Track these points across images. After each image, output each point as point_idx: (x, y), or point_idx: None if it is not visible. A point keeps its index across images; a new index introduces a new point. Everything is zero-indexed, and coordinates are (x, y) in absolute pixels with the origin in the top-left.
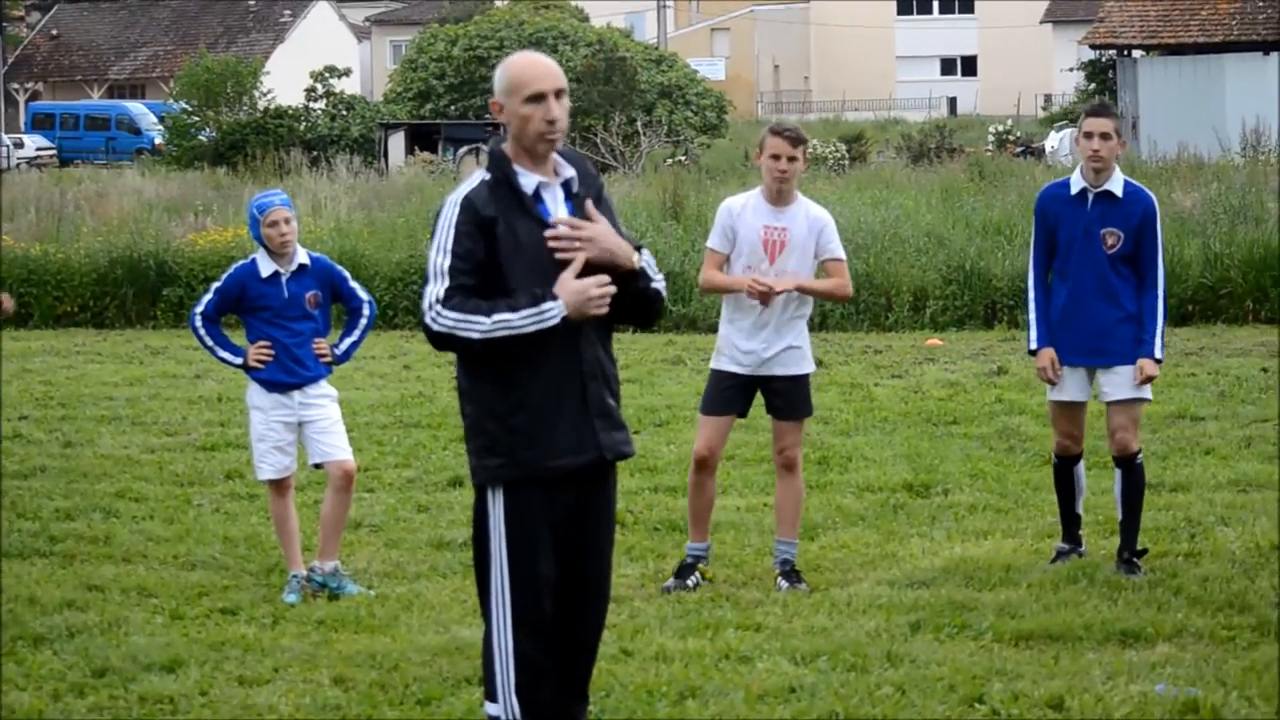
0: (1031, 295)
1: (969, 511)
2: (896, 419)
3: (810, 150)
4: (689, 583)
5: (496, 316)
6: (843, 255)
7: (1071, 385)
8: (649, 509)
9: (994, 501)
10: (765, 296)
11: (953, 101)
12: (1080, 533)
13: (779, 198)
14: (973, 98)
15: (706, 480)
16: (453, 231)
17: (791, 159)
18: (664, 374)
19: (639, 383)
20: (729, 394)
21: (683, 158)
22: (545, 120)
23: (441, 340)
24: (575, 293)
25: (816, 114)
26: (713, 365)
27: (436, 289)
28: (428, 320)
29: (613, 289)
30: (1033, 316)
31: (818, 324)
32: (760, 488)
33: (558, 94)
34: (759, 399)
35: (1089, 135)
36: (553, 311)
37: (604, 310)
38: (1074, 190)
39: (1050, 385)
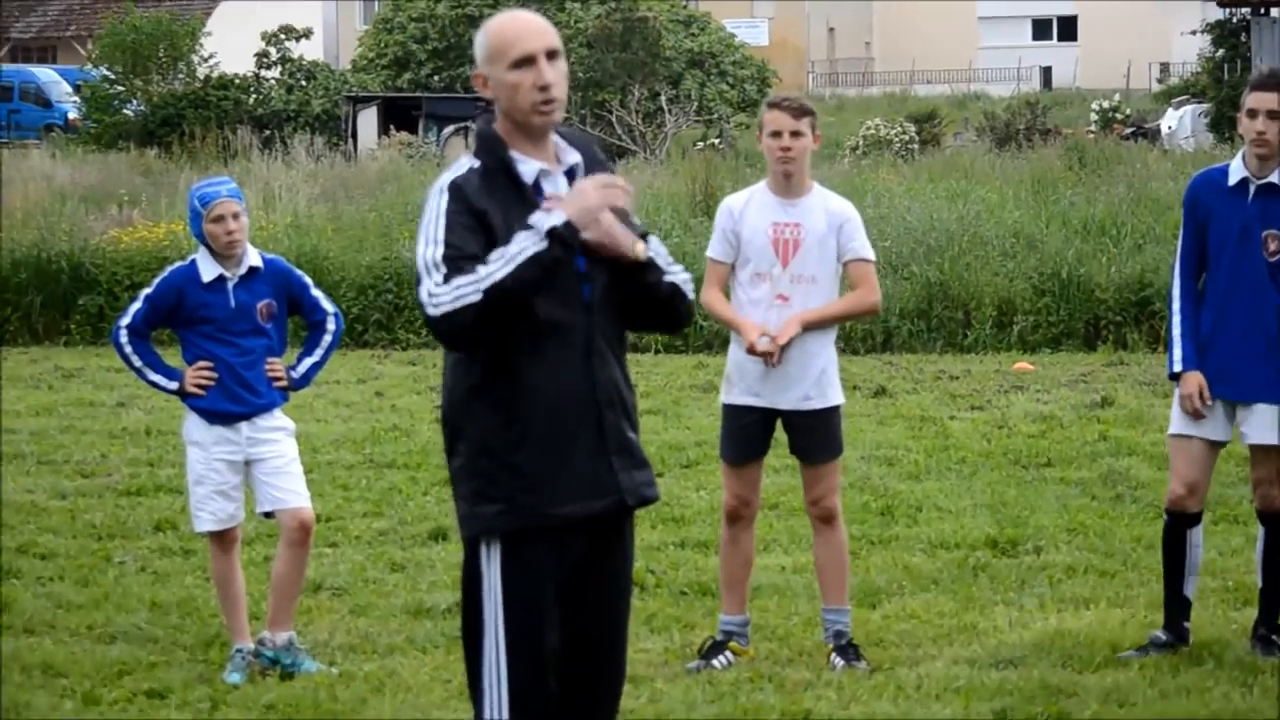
0: (1177, 305)
1: (1066, 574)
2: (977, 460)
3: (869, 130)
4: (717, 663)
5: (488, 263)
6: (870, 255)
7: (1209, 421)
8: (674, 569)
9: (1097, 562)
10: (770, 357)
11: (1047, 72)
12: (1187, 624)
13: (788, 187)
14: (1071, 67)
15: (741, 536)
16: (443, 220)
17: (796, 134)
18: (692, 403)
19: (662, 414)
20: (749, 433)
21: (716, 140)
22: (537, 87)
23: (449, 324)
24: (575, 195)
25: (880, 87)
26: (723, 398)
27: (430, 281)
28: (429, 311)
29: (623, 186)
30: (1177, 332)
31: (880, 342)
32: (810, 543)
33: (550, 55)
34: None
35: (1253, 113)
36: (544, 223)
37: (619, 200)
38: (1232, 180)
39: (1190, 418)
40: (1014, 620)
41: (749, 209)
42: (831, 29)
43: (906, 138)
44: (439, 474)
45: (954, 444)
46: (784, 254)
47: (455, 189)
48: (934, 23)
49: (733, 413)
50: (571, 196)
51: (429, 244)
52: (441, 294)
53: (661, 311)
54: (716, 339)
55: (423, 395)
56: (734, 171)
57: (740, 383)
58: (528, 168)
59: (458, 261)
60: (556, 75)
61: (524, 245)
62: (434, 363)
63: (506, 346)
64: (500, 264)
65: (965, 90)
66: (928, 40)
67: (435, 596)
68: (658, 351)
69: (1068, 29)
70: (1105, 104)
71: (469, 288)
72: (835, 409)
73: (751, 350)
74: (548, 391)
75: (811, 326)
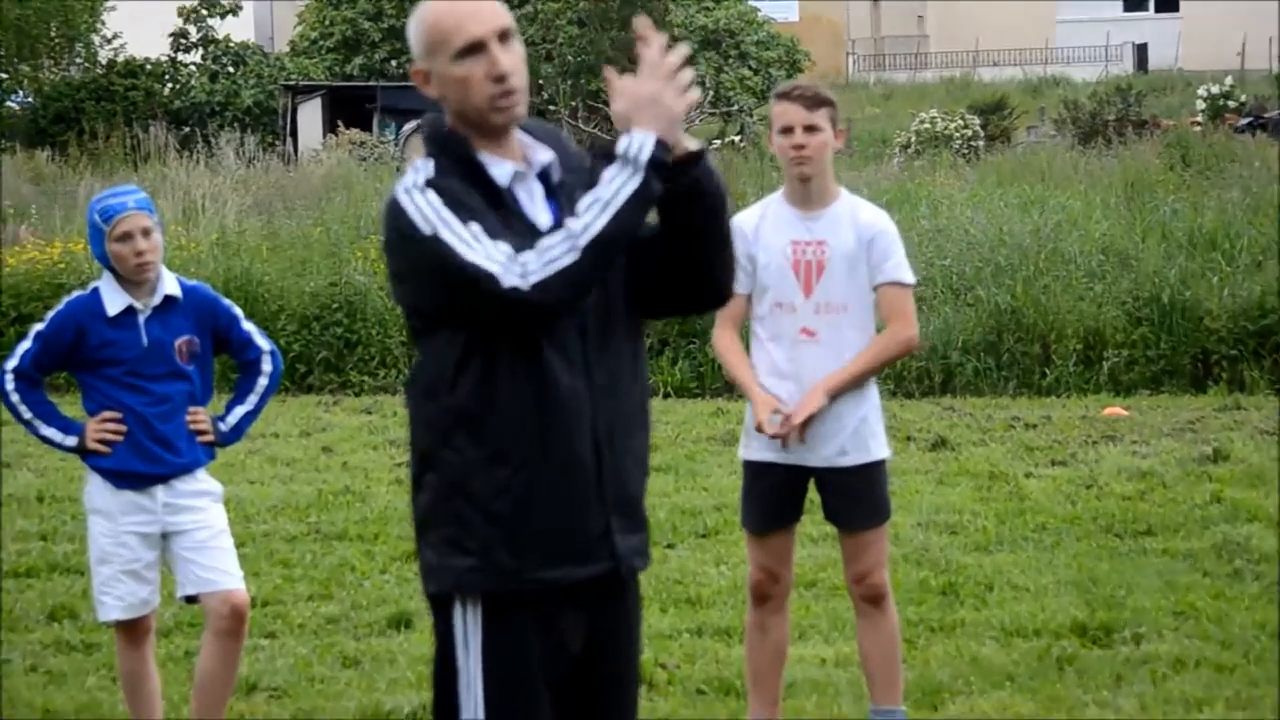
0: None
1: (1173, 669)
2: (1060, 527)
3: (923, 124)
4: None
5: (579, 214)
6: (908, 279)
7: None
8: (690, 661)
9: (1211, 653)
10: (787, 438)
11: (1141, 51)
12: None
13: (807, 195)
14: (1172, 45)
15: (770, 620)
16: (450, 210)
17: (811, 129)
18: (710, 458)
19: (674, 472)
20: (774, 496)
21: (736, 137)
22: (491, 78)
23: (544, 295)
24: (649, 101)
25: (936, 71)
26: (743, 454)
27: (501, 255)
28: (520, 286)
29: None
30: None
31: (939, 384)
32: (855, 628)
33: (501, 37)
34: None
35: None
36: (638, 150)
37: (693, 93)
38: None
39: None
40: None
41: (764, 226)
42: (877, 1)
43: (969, 133)
44: (400, 547)
45: (1031, 507)
46: (806, 279)
47: (437, 185)
48: None
49: (755, 471)
50: (646, 103)
51: (460, 238)
52: (529, 261)
53: (721, 246)
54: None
55: (379, 450)
56: (758, 175)
57: (762, 435)
58: (501, 170)
59: (506, 234)
60: (513, 61)
61: (619, 184)
62: (393, 410)
63: (493, 373)
64: (596, 211)
65: (1041, 74)
66: (995, 14)
67: (396, 698)
68: (667, 395)
69: None
70: (1214, 89)
71: (562, 247)
72: (879, 465)
73: (760, 430)
74: (537, 430)
75: (839, 392)
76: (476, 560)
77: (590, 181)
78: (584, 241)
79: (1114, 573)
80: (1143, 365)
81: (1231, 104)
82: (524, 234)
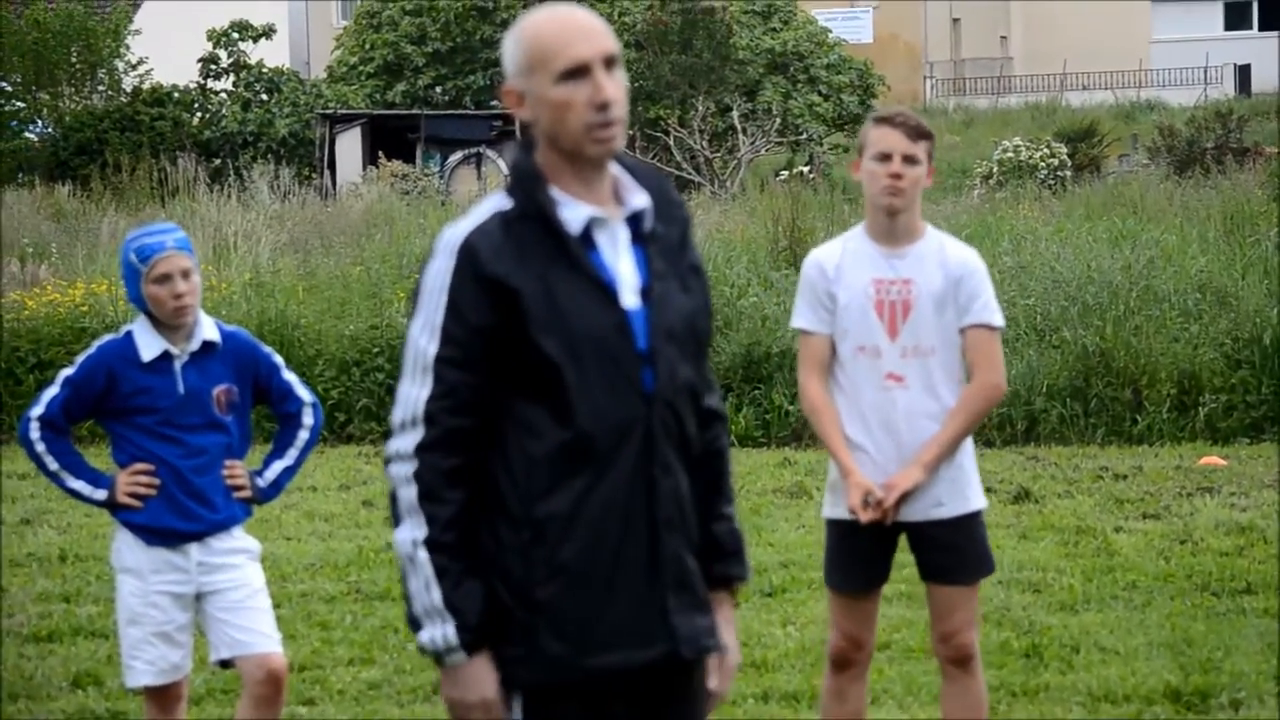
0: None
1: None
2: (1152, 585)
3: (1006, 153)
4: None
5: (423, 554)
6: (998, 322)
7: None
8: None
9: None
10: (881, 517)
11: (1244, 72)
12: None
13: (893, 230)
14: (1277, 66)
15: (851, 689)
16: (445, 298)
17: (910, 160)
18: (777, 512)
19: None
20: (864, 554)
21: (805, 168)
22: (594, 105)
23: (393, 487)
24: (468, 701)
25: (1020, 95)
26: (827, 512)
27: (416, 405)
28: (387, 455)
29: None
30: None
31: (1022, 432)
32: (933, 694)
33: (608, 63)
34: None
35: None
36: (436, 641)
37: None
38: None
39: None
40: None
41: (846, 263)
42: (956, 20)
43: (1056, 162)
44: None
45: (1121, 564)
46: (891, 321)
47: (466, 250)
48: (1092, 10)
49: (842, 530)
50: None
51: (426, 331)
52: (403, 469)
53: None
54: (806, 429)
55: None
56: (828, 208)
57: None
58: (574, 213)
59: (452, 386)
60: (617, 89)
61: (434, 622)
62: None
63: (539, 445)
64: (425, 581)
65: (1134, 98)
66: (1085, 34)
67: None
68: (730, 444)
69: (1273, 14)
70: None
71: (413, 519)
72: (976, 516)
73: (852, 512)
74: (590, 508)
75: (936, 465)
76: (524, 651)
77: (681, 241)
78: (407, 549)
79: (1210, 634)
80: (1242, 411)
81: None
82: (586, 292)
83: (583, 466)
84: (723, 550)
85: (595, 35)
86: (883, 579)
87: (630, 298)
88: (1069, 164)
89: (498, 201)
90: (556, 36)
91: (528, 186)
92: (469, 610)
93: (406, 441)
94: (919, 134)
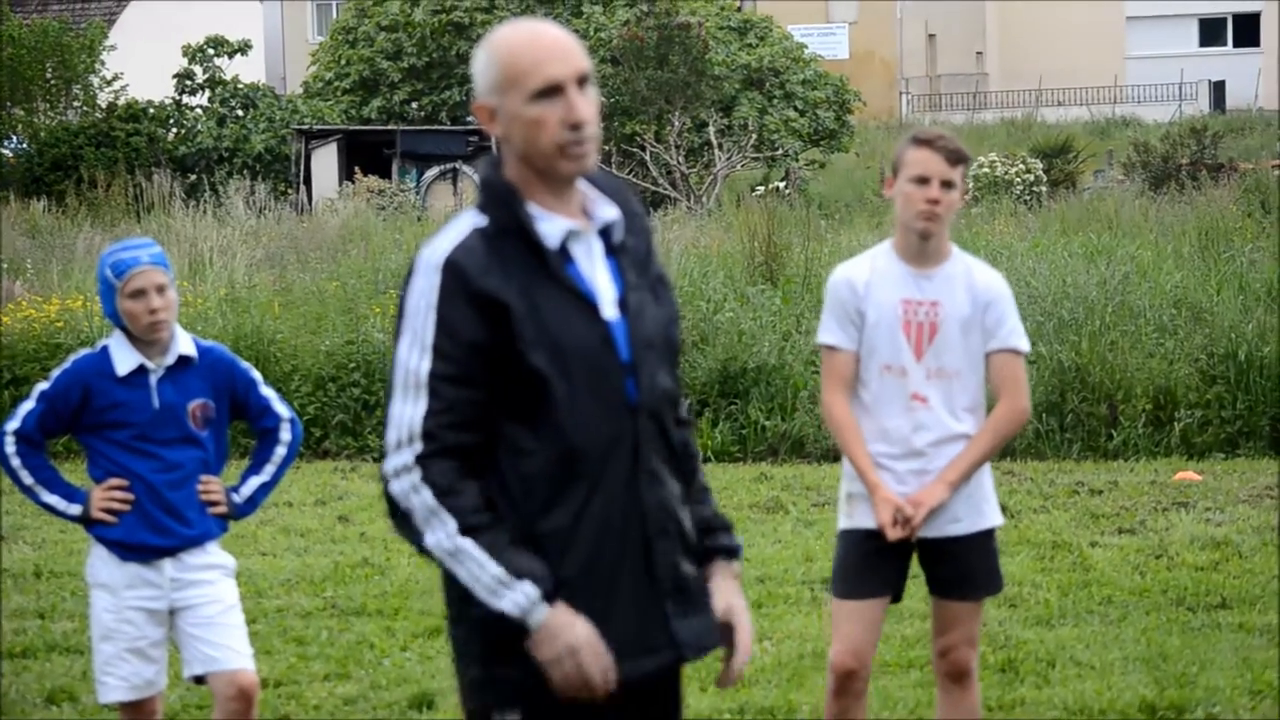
0: None
1: None
2: (1127, 600)
3: (981, 169)
4: None
5: (465, 542)
6: (1024, 347)
7: None
8: None
9: None
10: (909, 534)
11: (1219, 88)
12: None
13: (924, 252)
14: (1251, 82)
15: (854, 708)
16: (434, 315)
17: (947, 185)
18: (754, 527)
19: None
20: (875, 564)
21: (781, 184)
22: (567, 125)
23: (395, 512)
24: (565, 647)
25: (996, 111)
26: (844, 524)
27: (412, 423)
28: (385, 474)
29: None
30: None
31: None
32: (909, 709)
33: (580, 81)
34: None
35: None
36: (519, 603)
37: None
38: None
39: None
40: None
41: (875, 280)
42: (932, 35)
43: (1031, 178)
44: (421, 622)
45: (1096, 578)
46: (918, 342)
47: (452, 267)
48: (1068, 26)
49: (857, 539)
50: (559, 649)
51: (415, 349)
52: (405, 482)
53: None
54: (783, 443)
55: None
56: (804, 225)
57: (867, 502)
58: (551, 226)
59: (450, 402)
60: (590, 108)
61: (507, 590)
62: None
63: (530, 460)
64: (478, 563)
65: (1109, 114)
66: (1060, 50)
67: None
68: (707, 459)
69: (1247, 31)
70: None
71: (437, 527)
72: (990, 533)
73: (882, 530)
74: (587, 524)
75: (960, 483)
76: (527, 669)
77: (646, 250)
78: (440, 551)
79: (1185, 649)
80: (1217, 426)
81: None
82: (569, 305)
83: (576, 481)
84: (711, 526)
85: (568, 54)
86: (895, 591)
87: (610, 309)
88: (1044, 180)
89: (473, 219)
90: (529, 55)
91: (505, 202)
92: (531, 567)
93: (404, 456)
94: (958, 158)
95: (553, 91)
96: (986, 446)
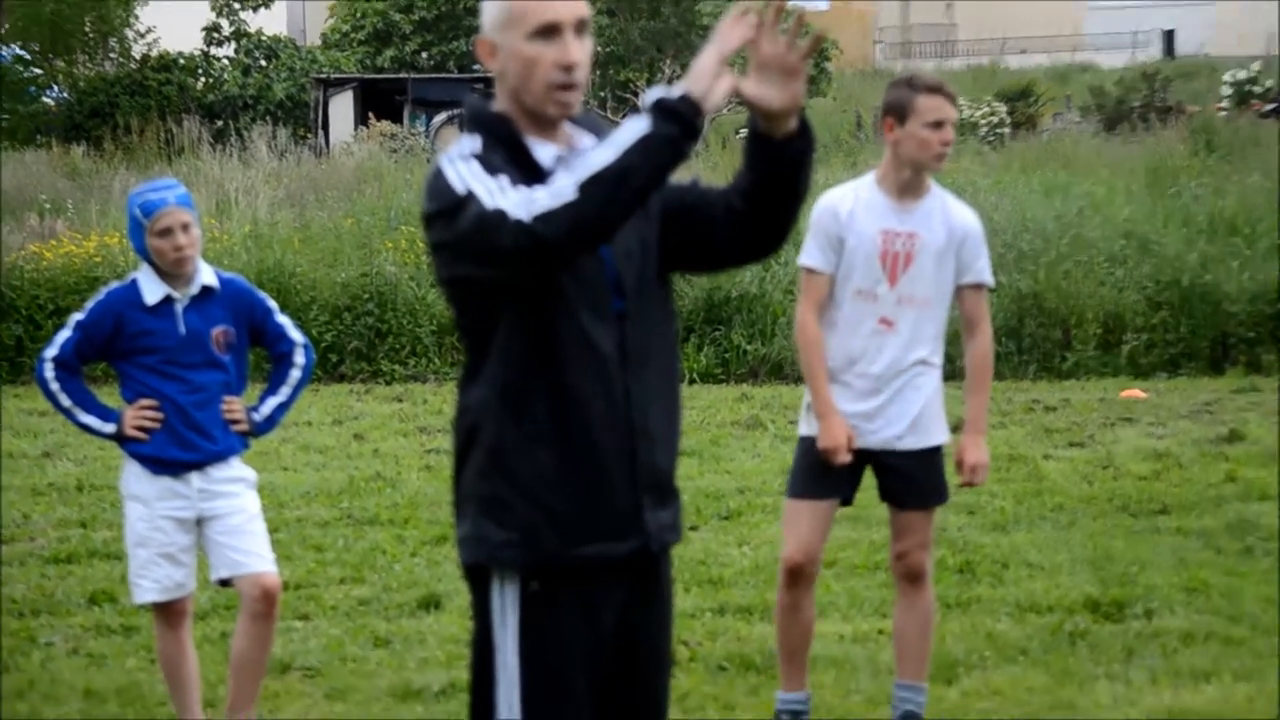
0: None
1: (1183, 642)
2: (1076, 507)
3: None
4: None
5: (586, 157)
6: (992, 282)
7: None
8: (712, 639)
9: (1221, 628)
10: (836, 455)
11: (1169, 37)
12: None
13: (909, 186)
14: (1200, 31)
15: (804, 600)
16: (485, 174)
17: (954, 125)
18: (734, 443)
19: (698, 456)
20: (829, 469)
21: None
22: (559, 66)
23: (545, 226)
24: (691, 73)
25: (963, 59)
26: (803, 430)
27: (515, 194)
28: (517, 215)
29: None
30: None
31: (961, 368)
32: (874, 607)
33: (578, 28)
34: (869, 480)
35: None
36: (662, 97)
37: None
38: None
39: None
40: (1120, 697)
41: (858, 210)
42: None
43: (995, 120)
44: (430, 531)
45: (1048, 488)
46: (892, 269)
47: (479, 158)
48: None
49: (812, 446)
50: (689, 77)
51: (488, 190)
52: (539, 198)
53: (796, 201)
54: (763, 365)
55: (410, 438)
56: None
57: None
58: (545, 152)
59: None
60: (583, 53)
61: (629, 129)
62: (423, 398)
63: (539, 352)
64: (602, 152)
65: (1068, 61)
66: (1022, 1)
67: (426, 676)
68: (693, 381)
69: None
70: (1241, 74)
71: (566, 183)
72: (937, 450)
73: (825, 454)
74: (578, 413)
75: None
76: (517, 535)
77: None
78: (585, 176)
79: (1128, 551)
80: (1161, 349)
81: (1257, 90)
82: None
83: (570, 382)
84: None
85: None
86: (846, 496)
87: None
88: (1007, 122)
89: (470, 141)
90: None
91: (499, 127)
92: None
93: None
94: (954, 101)
95: (551, 31)
96: (988, 385)
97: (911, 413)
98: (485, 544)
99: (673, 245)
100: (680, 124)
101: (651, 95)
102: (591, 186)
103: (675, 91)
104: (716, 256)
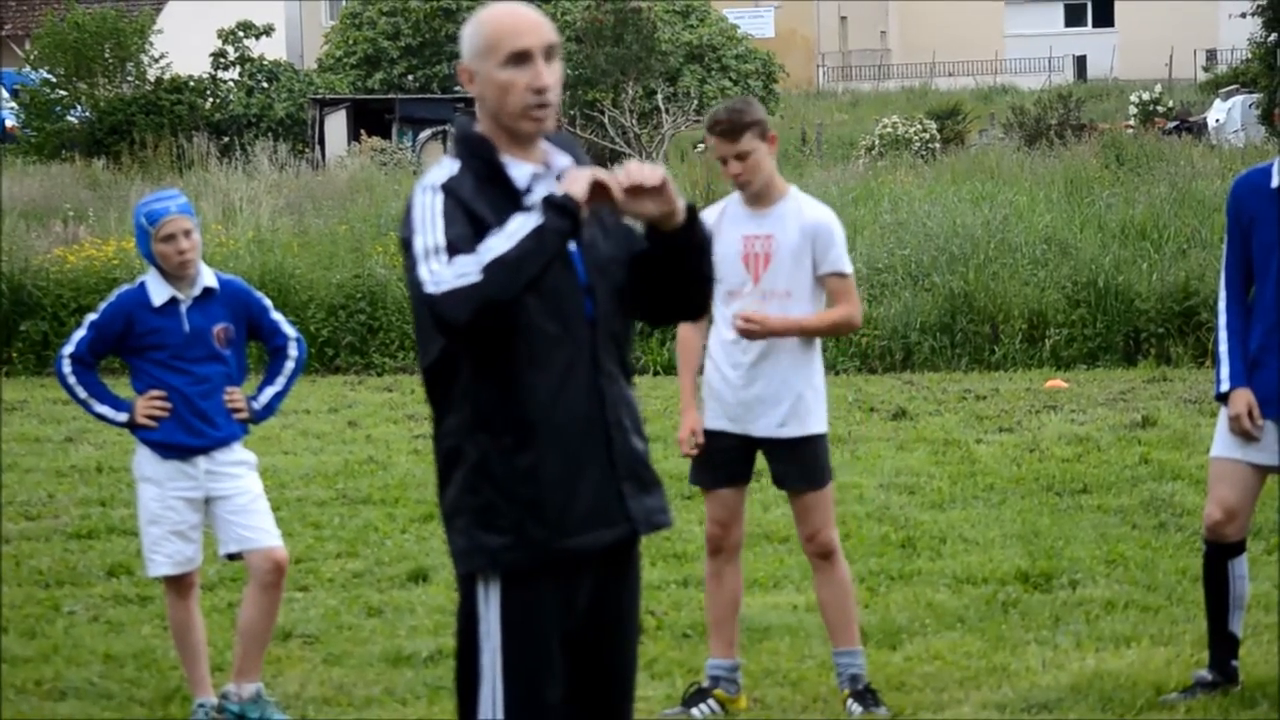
0: (1223, 319)
1: (1105, 610)
2: (1006, 487)
3: (885, 129)
4: (696, 712)
5: (485, 243)
6: (847, 269)
7: (1258, 444)
8: (676, 609)
9: (1139, 597)
10: (753, 333)
11: (1081, 62)
12: (1235, 662)
13: (755, 197)
14: (1108, 56)
15: (725, 570)
16: (440, 215)
17: (740, 157)
18: None
19: (662, 441)
20: (723, 458)
21: None
22: (532, 89)
23: (449, 304)
24: (567, 179)
25: (898, 81)
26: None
27: (431, 261)
28: (429, 289)
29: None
30: (1224, 348)
31: (899, 360)
32: (804, 572)
33: (548, 53)
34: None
35: None
36: (540, 197)
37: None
38: (1275, 182)
39: (1237, 440)
40: (1048, 661)
41: (723, 221)
42: (844, 18)
43: (927, 136)
44: (418, 509)
45: (981, 469)
46: (755, 269)
47: (448, 189)
48: (956, 10)
49: (707, 437)
50: (564, 181)
51: (427, 234)
52: (442, 272)
53: (701, 281)
54: None
55: (399, 424)
56: None
57: (714, 406)
58: (520, 171)
59: (459, 249)
60: (553, 77)
61: (524, 221)
62: (411, 389)
63: (509, 367)
64: (501, 239)
65: (991, 83)
66: (950, 29)
67: (415, 643)
68: (656, 373)
69: (1104, 13)
70: (1145, 95)
71: (470, 265)
72: (816, 438)
73: (680, 444)
74: (555, 415)
75: (784, 332)
76: (509, 538)
77: None
78: (487, 260)
79: (1054, 527)
80: (1080, 343)
81: (1160, 109)
82: None
83: (545, 384)
84: None
85: (539, 29)
86: (741, 479)
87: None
88: (938, 138)
89: (451, 163)
90: (507, 26)
91: (479, 150)
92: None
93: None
94: (737, 131)
95: (522, 58)
96: (813, 322)
97: (787, 401)
98: (482, 552)
99: (629, 290)
100: (569, 217)
101: (538, 194)
102: (493, 269)
103: (558, 192)
104: (652, 313)
